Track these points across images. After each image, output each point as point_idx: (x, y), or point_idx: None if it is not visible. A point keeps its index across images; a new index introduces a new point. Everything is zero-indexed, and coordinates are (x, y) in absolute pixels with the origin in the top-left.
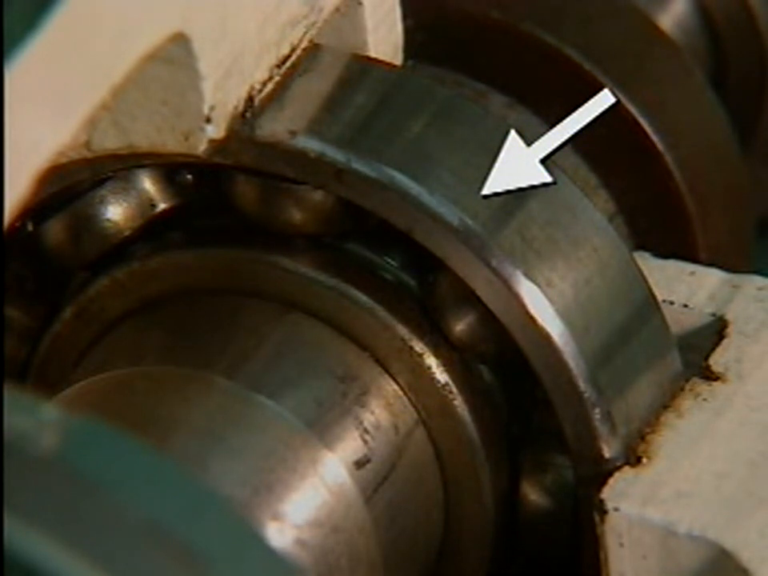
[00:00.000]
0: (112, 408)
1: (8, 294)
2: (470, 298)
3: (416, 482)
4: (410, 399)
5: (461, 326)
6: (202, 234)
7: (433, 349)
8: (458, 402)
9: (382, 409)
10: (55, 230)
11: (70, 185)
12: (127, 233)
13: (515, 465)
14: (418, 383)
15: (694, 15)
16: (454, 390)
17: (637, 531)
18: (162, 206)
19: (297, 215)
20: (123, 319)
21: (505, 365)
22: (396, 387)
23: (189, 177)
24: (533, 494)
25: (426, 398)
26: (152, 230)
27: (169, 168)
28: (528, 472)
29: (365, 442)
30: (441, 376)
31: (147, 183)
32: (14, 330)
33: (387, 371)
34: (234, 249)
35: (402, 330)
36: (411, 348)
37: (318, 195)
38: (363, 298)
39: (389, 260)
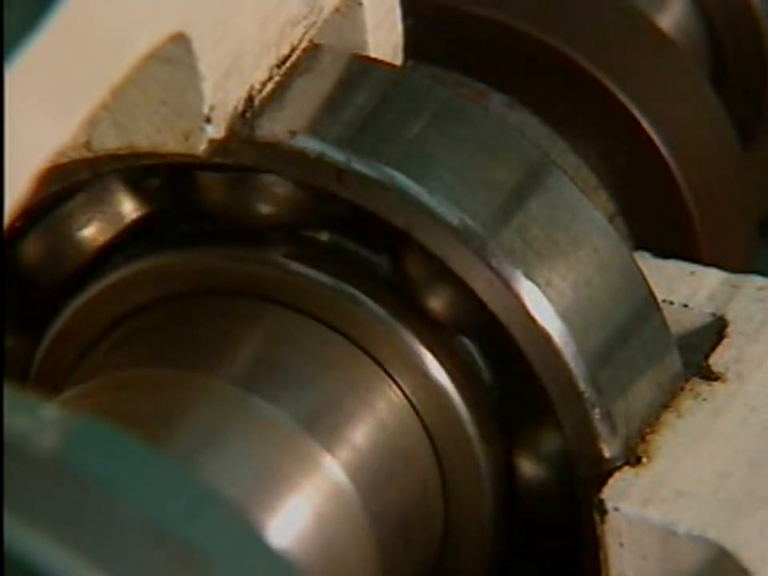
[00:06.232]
0: (112, 410)
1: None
2: (446, 276)
3: (414, 480)
4: (409, 400)
5: (441, 303)
6: (180, 238)
7: (429, 346)
8: (458, 402)
9: (384, 410)
10: (31, 248)
11: (43, 198)
12: (101, 244)
13: (508, 441)
14: (418, 384)
15: (693, 15)
16: (456, 395)
17: (637, 531)
18: (135, 214)
19: (264, 206)
20: (123, 320)
21: (491, 339)
22: (396, 389)
23: (156, 181)
24: (527, 467)
25: (426, 399)
26: (129, 238)
27: (135, 175)
28: (520, 445)
29: (364, 443)
30: (440, 377)
31: (117, 192)
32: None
33: (388, 374)
34: (215, 249)
35: (402, 331)
36: (410, 348)
37: (281, 184)
38: (356, 293)
39: (367, 250)
